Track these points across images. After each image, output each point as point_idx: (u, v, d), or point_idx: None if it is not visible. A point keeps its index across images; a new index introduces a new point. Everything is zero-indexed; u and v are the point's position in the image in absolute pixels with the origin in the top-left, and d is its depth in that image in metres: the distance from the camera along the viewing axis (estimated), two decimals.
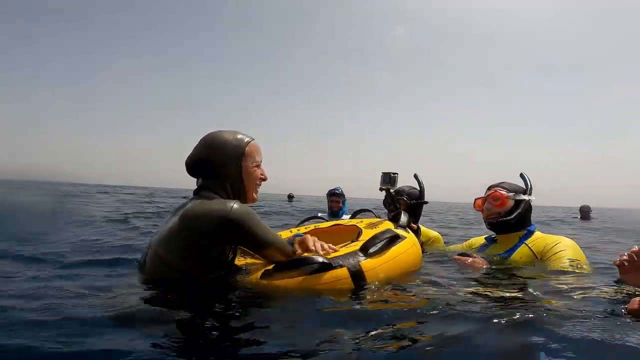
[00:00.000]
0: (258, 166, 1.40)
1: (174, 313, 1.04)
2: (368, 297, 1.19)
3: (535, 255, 1.70)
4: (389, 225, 1.62)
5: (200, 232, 1.19)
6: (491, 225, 1.90)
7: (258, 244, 1.25)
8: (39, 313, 1.00)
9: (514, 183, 1.94)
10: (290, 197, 13.64)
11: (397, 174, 1.94)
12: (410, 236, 1.55)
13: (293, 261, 1.24)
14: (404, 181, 2.54)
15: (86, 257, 1.95)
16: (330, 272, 1.20)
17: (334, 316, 1.07)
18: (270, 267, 1.25)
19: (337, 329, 0.96)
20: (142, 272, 1.33)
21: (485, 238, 2.07)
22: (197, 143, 1.37)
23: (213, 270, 1.26)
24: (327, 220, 2.25)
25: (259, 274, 1.25)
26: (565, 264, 1.55)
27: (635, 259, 1.19)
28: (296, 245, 1.34)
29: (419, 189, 2.38)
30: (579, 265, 1.54)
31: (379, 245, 1.35)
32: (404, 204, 2.32)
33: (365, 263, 1.26)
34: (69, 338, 0.85)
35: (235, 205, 1.21)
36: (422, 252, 1.70)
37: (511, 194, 1.84)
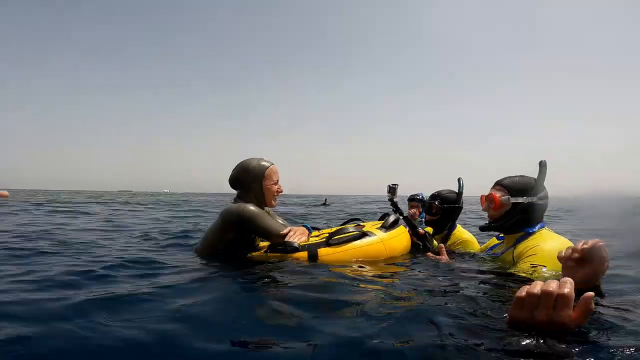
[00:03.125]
0: (275, 183, 2.09)
1: (205, 274, 1.67)
2: (324, 277, 1.56)
3: (514, 259, 1.65)
4: (376, 226, 2.04)
5: (227, 222, 1.91)
6: (482, 228, 1.86)
7: (262, 233, 1.89)
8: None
9: (528, 177, 1.77)
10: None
11: (396, 184, 2.22)
12: (383, 235, 1.90)
13: (279, 244, 1.83)
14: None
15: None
16: (297, 253, 1.77)
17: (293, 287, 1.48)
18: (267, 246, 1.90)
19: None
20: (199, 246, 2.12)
21: (496, 237, 2.02)
22: (235, 166, 2.11)
23: (236, 247, 1.94)
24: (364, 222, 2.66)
25: (262, 251, 1.90)
26: (525, 268, 1.52)
27: (579, 255, 1.06)
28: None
29: (457, 192, 2.47)
30: (536, 271, 1.48)
31: (343, 238, 1.81)
32: (435, 207, 2.47)
33: (321, 250, 1.77)
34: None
35: (248, 206, 1.89)
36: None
37: (505, 197, 1.73)
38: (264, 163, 2.08)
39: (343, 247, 1.80)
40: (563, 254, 1.10)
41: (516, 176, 1.81)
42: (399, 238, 2.04)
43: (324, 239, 1.85)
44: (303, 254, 1.78)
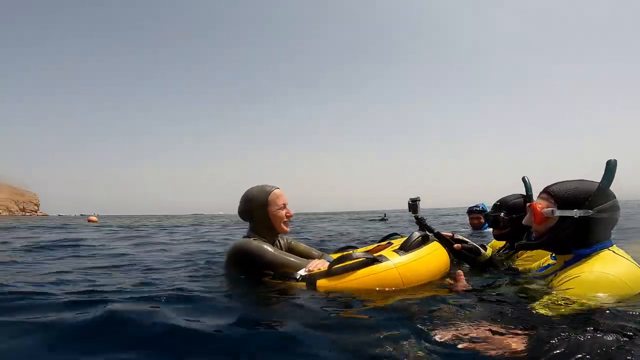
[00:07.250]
0: (281, 208, 1.97)
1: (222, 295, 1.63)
2: (322, 306, 1.43)
3: (551, 288, 1.34)
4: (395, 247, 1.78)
5: (231, 261, 1.90)
6: (518, 246, 1.56)
7: (269, 266, 1.78)
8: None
9: (590, 182, 1.35)
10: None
11: (417, 199, 1.95)
12: (398, 260, 1.62)
13: (284, 274, 1.73)
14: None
15: None
16: (298, 282, 1.64)
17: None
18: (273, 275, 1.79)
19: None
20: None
21: (550, 256, 1.62)
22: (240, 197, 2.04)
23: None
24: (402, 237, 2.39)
25: (270, 277, 1.78)
26: (557, 300, 1.20)
27: None
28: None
29: (525, 195, 2.03)
30: (568, 303, 1.15)
31: (346, 266, 1.59)
32: (502, 220, 2.03)
33: (320, 281, 1.59)
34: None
35: (251, 242, 1.83)
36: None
37: (549, 209, 1.36)
38: (266, 189, 1.98)
39: (346, 276, 1.57)
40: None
41: (572, 181, 1.39)
42: (425, 260, 1.70)
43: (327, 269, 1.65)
44: (302, 284, 1.63)
